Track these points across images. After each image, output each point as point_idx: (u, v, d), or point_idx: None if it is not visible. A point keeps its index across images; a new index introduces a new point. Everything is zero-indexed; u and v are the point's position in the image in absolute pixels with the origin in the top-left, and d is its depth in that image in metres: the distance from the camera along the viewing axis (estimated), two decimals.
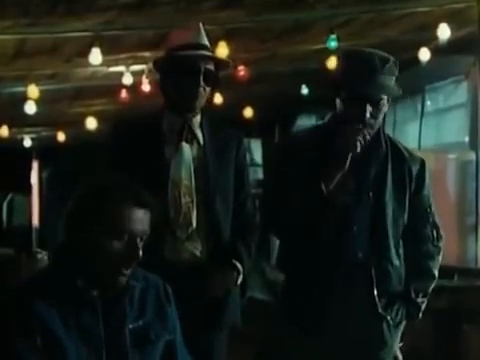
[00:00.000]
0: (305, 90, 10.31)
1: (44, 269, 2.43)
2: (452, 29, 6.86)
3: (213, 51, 3.40)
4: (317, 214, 3.02)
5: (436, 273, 3.21)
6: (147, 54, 7.55)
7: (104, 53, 6.92)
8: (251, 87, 9.42)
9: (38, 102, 9.12)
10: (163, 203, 3.08)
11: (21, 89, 8.82)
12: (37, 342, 2.18)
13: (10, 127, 12.05)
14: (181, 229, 3.19)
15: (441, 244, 3.23)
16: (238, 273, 3.26)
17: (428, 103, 9.52)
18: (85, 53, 7.01)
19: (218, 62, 3.30)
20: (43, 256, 7.78)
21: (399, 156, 3.15)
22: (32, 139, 14.98)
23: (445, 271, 3.41)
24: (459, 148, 8.38)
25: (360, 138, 3.00)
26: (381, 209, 3.08)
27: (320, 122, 3.32)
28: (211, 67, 3.23)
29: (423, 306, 3.18)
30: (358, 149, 3.01)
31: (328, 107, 3.13)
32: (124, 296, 2.33)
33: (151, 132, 3.25)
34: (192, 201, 3.20)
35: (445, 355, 5.02)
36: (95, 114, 11.57)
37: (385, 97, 3.02)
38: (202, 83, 3.19)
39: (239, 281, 3.28)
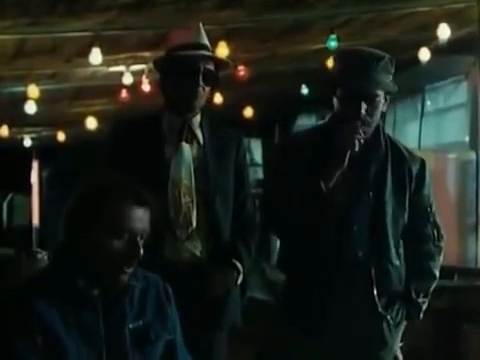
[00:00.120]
0: (305, 90, 10.31)
1: (44, 269, 2.43)
2: (452, 29, 6.86)
3: (213, 51, 3.40)
4: (317, 213, 3.02)
5: (437, 273, 3.21)
6: (147, 54, 7.55)
7: (104, 53, 6.92)
8: (251, 87, 9.42)
9: (38, 102, 9.12)
10: (163, 203, 3.08)
11: (21, 89, 8.83)
12: (37, 342, 2.18)
13: (10, 127, 12.05)
14: (181, 229, 3.19)
15: (442, 244, 3.23)
16: (238, 273, 3.26)
17: (428, 103, 9.52)
18: (85, 53, 7.01)
19: (218, 62, 3.30)
20: (43, 256, 7.77)
21: (399, 156, 3.15)
22: (32, 139, 14.98)
23: (445, 271, 3.40)
24: (459, 148, 8.38)
25: (357, 136, 3.00)
26: (381, 209, 3.08)
27: (320, 122, 3.32)
28: (211, 67, 3.23)
29: (424, 306, 3.18)
30: (356, 147, 3.01)
31: (328, 107, 3.13)
32: (124, 296, 2.33)
33: (151, 132, 3.25)
34: (192, 201, 3.20)
35: (445, 355, 5.02)
36: (95, 114, 11.57)
37: (381, 94, 3.02)
38: (201, 83, 3.19)
39: (239, 281, 3.28)
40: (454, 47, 7.42)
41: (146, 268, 2.43)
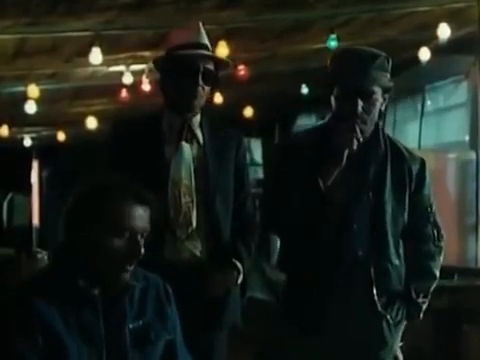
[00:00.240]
0: (305, 90, 10.32)
1: (44, 269, 2.43)
2: (452, 29, 6.86)
3: (213, 51, 3.40)
4: (316, 212, 3.02)
5: (437, 273, 3.21)
6: (147, 54, 7.55)
7: (104, 53, 6.92)
8: (251, 87, 9.43)
9: (38, 102, 9.13)
10: (163, 203, 3.07)
11: (21, 89, 8.83)
12: (38, 341, 2.18)
13: (10, 127, 12.06)
14: (181, 229, 3.19)
15: (442, 244, 3.23)
16: (238, 273, 3.26)
17: (428, 103, 9.53)
18: (85, 53, 7.01)
19: (218, 62, 3.30)
20: (43, 256, 7.77)
21: (399, 156, 3.15)
22: (32, 139, 15.00)
23: (445, 271, 3.40)
24: (459, 148, 8.38)
25: (354, 134, 3.01)
26: (380, 208, 3.08)
27: (320, 122, 3.33)
28: (211, 67, 3.22)
29: (424, 306, 3.18)
30: (354, 145, 3.02)
31: (328, 107, 3.13)
32: (124, 295, 2.33)
33: (151, 132, 3.25)
34: (192, 201, 3.20)
35: (445, 355, 5.02)
36: (95, 114, 11.58)
37: (377, 91, 3.03)
38: (201, 82, 3.19)
39: (239, 281, 3.28)
40: (454, 47, 7.42)
41: (146, 268, 2.43)
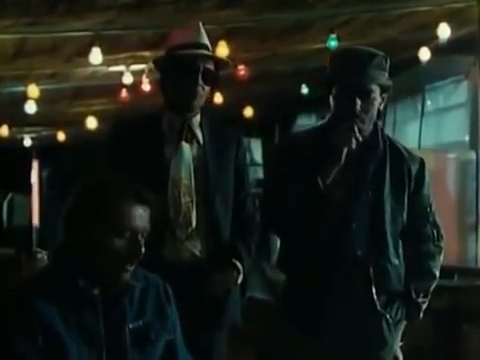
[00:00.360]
0: (305, 90, 10.31)
1: (44, 269, 2.43)
2: (452, 29, 6.86)
3: (213, 51, 3.40)
4: (316, 212, 3.02)
5: (437, 273, 3.21)
6: (147, 54, 7.55)
7: (104, 53, 6.92)
8: (251, 87, 9.42)
9: (38, 102, 9.12)
10: (163, 203, 3.07)
11: (21, 89, 8.83)
12: (38, 341, 2.18)
13: (10, 127, 12.06)
14: (181, 229, 3.19)
15: (442, 244, 3.23)
16: (238, 272, 3.26)
17: (428, 103, 9.53)
18: (85, 53, 7.01)
19: (218, 62, 3.30)
20: (43, 256, 7.79)
21: (398, 156, 3.16)
22: (32, 139, 14.99)
23: (445, 271, 3.40)
24: (459, 148, 8.38)
25: (353, 134, 3.01)
26: (379, 207, 3.09)
27: (320, 122, 3.33)
28: (210, 66, 3.22)
29: (424, 306, 3.18)
30: (353, 144, 3.03)
31: (328, 107, 3.14)
32: (124, 295, 2.33)
33: (151, 132, 3.25)
34: (192, 201, 3.20)
35: (445, 355, 5.02)
36: (95, 114, 11.57)
37: (375, 90, 3.03)
38: (201, 82, 3.19)
39: (239, 281, 3.28)
40: (454, 47, 7.42)
41: (146, 268, 2.43)
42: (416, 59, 7.73)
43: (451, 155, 7.97)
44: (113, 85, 8.94)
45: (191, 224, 3.19)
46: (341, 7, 6.67)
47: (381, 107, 3.10)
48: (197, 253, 3.22)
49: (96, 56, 6.92)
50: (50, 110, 10.75)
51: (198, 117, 3.30)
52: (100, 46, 6.82)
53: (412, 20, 7.20)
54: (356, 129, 3.02)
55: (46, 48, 7.32)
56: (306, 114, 12.45)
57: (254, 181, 6.57)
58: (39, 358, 2.18)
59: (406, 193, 3.14)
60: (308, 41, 7.80)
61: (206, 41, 3.27)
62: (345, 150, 3.03)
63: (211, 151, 3.27)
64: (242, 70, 8.37)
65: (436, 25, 6.87)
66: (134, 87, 8.65)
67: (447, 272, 4.31)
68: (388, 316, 3.12)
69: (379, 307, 3.10)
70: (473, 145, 7.92)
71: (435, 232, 3.21)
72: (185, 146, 3.24)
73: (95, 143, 6.24)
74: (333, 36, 6.91)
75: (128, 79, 8.34)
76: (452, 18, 6.86)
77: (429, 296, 3.20)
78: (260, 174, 10.97)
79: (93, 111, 11.50)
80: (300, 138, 3.28)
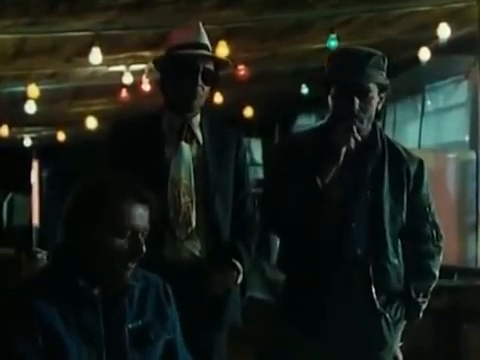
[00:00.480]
0: (305, 90, 10.31)
1: (44, 269, 2.43)
2: (452, 29, 6.85)
3: (213, 51, 3.40)
4: (315, 211, 3.03)
5: (436, 273, 3.22)
6: (147, 54, 7.55)
7: (104, 53, 6.92)
8: (251, 87, 9.42)
9: (38, 102, 9.12)
10: (163, 203, 3.07)
11: (21, 89, 8.83)
12: (38, 341, 2.18)
13: (10, 127, 12.06)
14: (180, 229, 3.19)
15: (441, 244, 3.23)
16: (238, 272, 3.26)
17: (428, 103, 9.52)
18: (85, 53, 7.01)
19: (218, 62, 3.30)
20: (43, 256, 7.78)
21: (397, 156, 3.16)
22: (32, 139, 14.99)
23: (445, 271, 3.41)
24: (459, 147, 8.38)
25: (352, 133, 3.01)
26: (378, 207, 3.09)
27: (320, 122, 3.34)
28: (210, 67, 3.22)
29: (423, 306, 3.18)
30: (352, 144, 3.03)
31: (328, 107, 3.14)
32: (124, 295, 2.33)
33: (151, 132, 3.25)
34: (191, 201, 3.20)
35: (445, 355, 5.02)
36: (95, 114, 11.57)
37: (374, 90, 3.04)
38: (200, 82, 3.19)
39: (239, 280, 3.28)
40: (454, 47, 7.41)
41: (146, 268, 2.43)
42: (416, 59, 7.73)
43: (451, 155, 7.97)
44: (113, 85, 8.94)
45: (191, 224, 3.19)
46: (341, 7, 6.67)
47: (379, 107, 3.11)
48: (197, 253, 3.22)
49: (96, 56, 6.92)
50: (50, 110, 10.75)
51: (198, 117, 3.30)
52: (100, 46, 6.82)
53: (412, 20, 7.19)
54: (355, 129, 3.02)
55: (46, 48, 7.32)
56: (306, 114, 12.45)
57: (254, 181, 6.56)
58: (39, 358, 2.18)
59: (405, 193, 3.14)
60: (308, 41, 7.80)
61: (206, 41, 3.27)
62: (344, 150, 3.03)
63: (211, 151, 3.27)
64: (242, 70, 8.37)
65: (436, 25, 6.87)
66: (134, 87, 8.65)
67: (447, 272, 4.31)
68: (388, 316, 3.12)
69: (379, 306, 3.10)
70: (473, 145, 7.92)
71: (434, 232, 3.21)
72: (185, 146, 3.24)
73: (95, 143, 6.24)
74: (333, 36, 6.91)
75: (128, 79, 8.34)
76: (452, 18, 6.85)
77: (429, 296, 3.20)
78: (260, 174, 10.97)
79: (93, 111, 11.50)
80: (300, 138, 3.29)
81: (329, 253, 3.05)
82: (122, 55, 7.86)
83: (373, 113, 3.09)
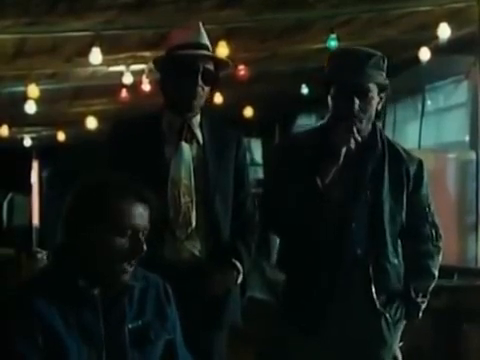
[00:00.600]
0: (305, 90, 10.31)
1: (44, 269, 2.43)
2: (452, 29, 6.86)
3: (213, 51, 3.40)
4: (315, 211, 3.03)
5: (436, 272, 3.22)
6: (147, 54, 7.55)
7: (104, 53, 6.92)
8: (251, 87, 9.42)
9: (38, 102, 9.12)
10: (163, 203, 3.07)
11: (21, 89, 8.83)
12: (38, 341, 2.18)
13: (10, 127, 12.06)
14: (180, 229, 3.19)
15: (441, 244, 3.24)
16: (238, 272, 3.26)
17: (428, 103, 9.52)
18: (85, 53, 7.01)
19: (218, 62, 3.30)
20: (43, 256, 7.79)
21: (397, 156, 3.17)
22: (32, 139, 14.99)
23: (445, 271, 3.41)
24: (459, 147, 8.38)
25: (352, 133, 3.02)
26: (378, 207, 3.09)
27: (320, 122, 3.34)
28: (210, 67, 3.22)
29: (423, 306, 3.19)
30: (352, 144, 3.04)
31: (328, 107, 3.14)
32: (124, 295, 2.33)
33: (151, 132, 3.25)
34: (191, 201, 3.20)
35: (445, 355, 5.02)
36: (95, 114, 11.57)
37: (373, 90, 3.04)
38: (200, 83, 3.19)
39: (239, 280, 3.28)
40: (454, 47, 7.42)
41: (146, 268, 2.43)
42: (416, 59, 7.73)
43: (451, 155, 7.97)
44: (113, 85, 8.94)
45: (191, 224, 3.19)
46: (341, 7, 6.67)
47: (379, 107, 3.11)
48: (197, 253, 3.22)
49: (96, 56, 6.92)
50: (50, 110, 10.76)
51: (198, 117, 3.30)
52: (100, 46, 6.82)
53: (412, 20, 7.20)
54: (355, 129, 3.03)
55: (46, 48, 7.32)
56: (306, 114, 12.45)
57: (254, 181, 6.56)
58: (39, 358, 2.18)
59: (405, 193, 3.14)
60: (308, 41, 7.80)
61: (206, 41, 3.27)
62: (344, 150, 3.04)
63: (211, 151, 3.27)
64: (242, 70, 8.37)
65: (436, 25, 6.87)
66: (134, 87, 8.65)
67: (447, 272, 4.31)
68: (387, 315, 3.12)
69: (379, 306, 3.10)
70: (473, 145, 7.92)
71: (434, 232, 3.22)
72: (185, 146, 3.24)
73: (95, 143, 6.24)
74: (333, 36, 6.91)
75: (128, 79, 8.34)
76: (452, 18, 6.86)
77: (428, 296, 3.20)
78: (260, 174, 10.98)
79: (93, 111, 11.50)
80: (300, 138, 3.29)
81: (329, 253, 3.05)
82: (122, 55, 7.86)
83: (373, 113, 3.09)
